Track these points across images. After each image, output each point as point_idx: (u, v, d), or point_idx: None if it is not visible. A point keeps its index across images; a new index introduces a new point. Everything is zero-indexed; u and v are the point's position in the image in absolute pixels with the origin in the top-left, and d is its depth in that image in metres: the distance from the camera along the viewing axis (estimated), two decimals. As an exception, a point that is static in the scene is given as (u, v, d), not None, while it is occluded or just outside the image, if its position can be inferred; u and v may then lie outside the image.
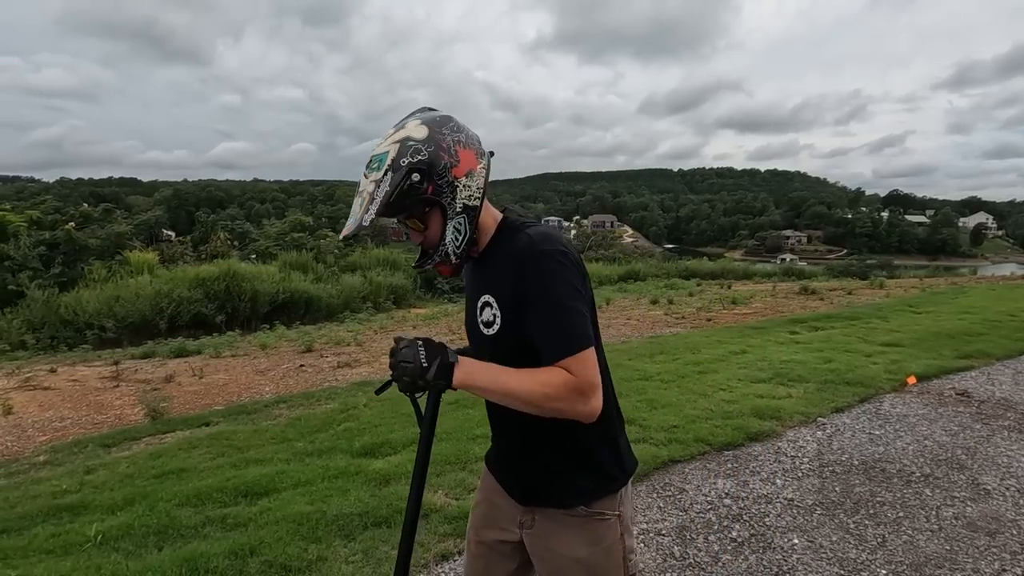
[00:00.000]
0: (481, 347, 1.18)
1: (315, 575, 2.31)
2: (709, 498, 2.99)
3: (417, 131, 1.07)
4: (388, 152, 1.05)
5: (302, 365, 7.37)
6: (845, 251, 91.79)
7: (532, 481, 1.20)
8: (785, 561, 2.41)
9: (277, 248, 23.17)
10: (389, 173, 1.03)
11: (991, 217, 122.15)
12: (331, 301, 15.30)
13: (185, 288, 13.09)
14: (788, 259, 61.35)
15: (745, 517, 2.79)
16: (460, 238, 1.11)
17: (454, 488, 3.08)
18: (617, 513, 1.18)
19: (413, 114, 1.15)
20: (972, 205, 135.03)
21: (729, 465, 3.41)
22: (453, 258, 1.13)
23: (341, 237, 1.10)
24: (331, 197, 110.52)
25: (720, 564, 2.40)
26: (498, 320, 1.11)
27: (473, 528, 1.32)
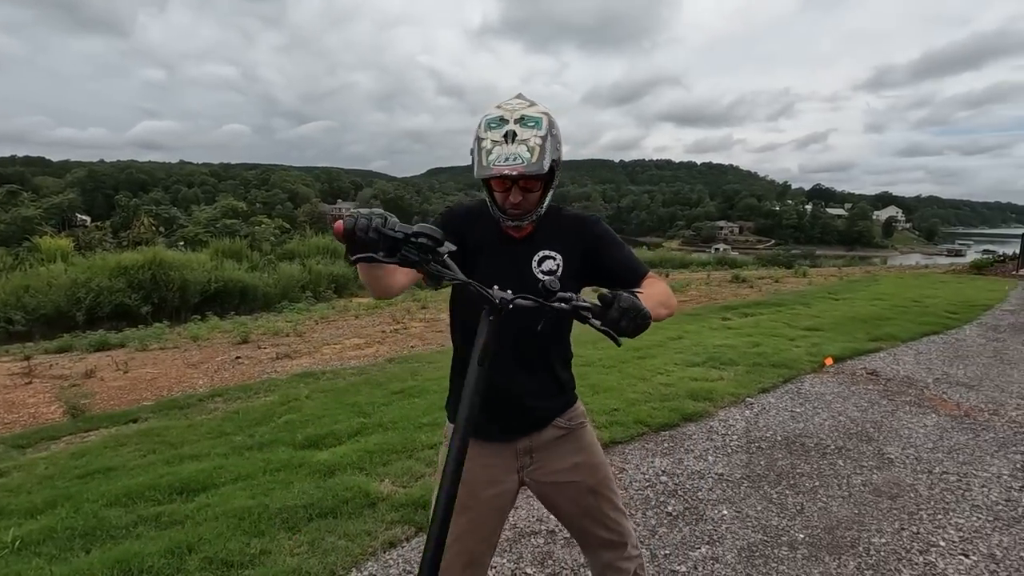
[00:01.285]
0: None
1: (259, 569, 2.27)
2: (647, 476, 3.15)
3: (550, 113, 1.31)
4: (542, 119, 1.27)
5: (238, 357, 7.08)
6: (773, 242, 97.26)
7: (537, 409, 1.46)
8: (715, 531, 2.59)
9: (208, 235, 21.91)
10: (549, 137, 1.26)
11: (900, 211, 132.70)
12: (268, 290, 14.75)
13: (105, 277, 12.24)
14: (722, 249, 64.32)
15: (680, 492, 2.96)
16: (545, 207, 1.38)
17: (401, 476, 3.09)
18: (585, 420, 1.54)
19: (523, 96, 1.35)
20: (884, 199, 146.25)
21: (666, 444, 3.59)
22: (535, 221, 1.37)
23: (515, 173, 1.23)
24: (266, 182, 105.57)
25: (657, 537, 2.54)
26: (561, 267, 1.40)
27: (466, 492, 1.38)
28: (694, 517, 2.70)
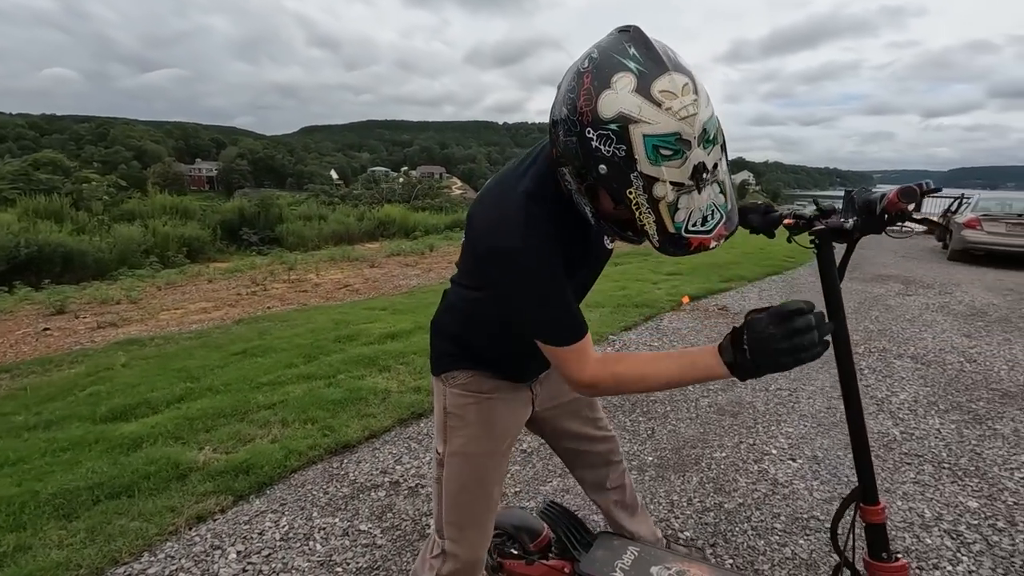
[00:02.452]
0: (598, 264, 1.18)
1: (6, 571, 1.78)
2: (506, 417, 3.01)
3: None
4: (716, 118, 0.78)
5: (46, 328, 5.96)
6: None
7: None
8: (569, 463, 2.51)
9: (14, 191, 18.23)
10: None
11: (752, 175, 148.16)
12: (100, 256, 12.75)
13: None
14: (600, 210, 67.62)
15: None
16: None
17: (226, 442, 2.67)
18: None
19: (668, 51, 0.78)
20: (739, 165, 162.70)
21: (528, 385, 3.49)
22: None
23: (727, 237, 0.81)
24: (104, 137, 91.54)
25: (508, 476, 2.41)
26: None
27: (504, 445, 1.32)
28: (548, 452, 2.60)
